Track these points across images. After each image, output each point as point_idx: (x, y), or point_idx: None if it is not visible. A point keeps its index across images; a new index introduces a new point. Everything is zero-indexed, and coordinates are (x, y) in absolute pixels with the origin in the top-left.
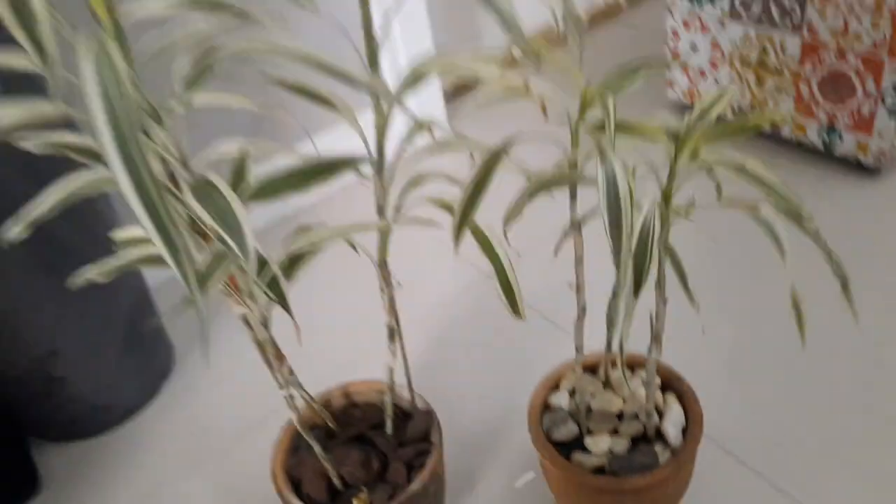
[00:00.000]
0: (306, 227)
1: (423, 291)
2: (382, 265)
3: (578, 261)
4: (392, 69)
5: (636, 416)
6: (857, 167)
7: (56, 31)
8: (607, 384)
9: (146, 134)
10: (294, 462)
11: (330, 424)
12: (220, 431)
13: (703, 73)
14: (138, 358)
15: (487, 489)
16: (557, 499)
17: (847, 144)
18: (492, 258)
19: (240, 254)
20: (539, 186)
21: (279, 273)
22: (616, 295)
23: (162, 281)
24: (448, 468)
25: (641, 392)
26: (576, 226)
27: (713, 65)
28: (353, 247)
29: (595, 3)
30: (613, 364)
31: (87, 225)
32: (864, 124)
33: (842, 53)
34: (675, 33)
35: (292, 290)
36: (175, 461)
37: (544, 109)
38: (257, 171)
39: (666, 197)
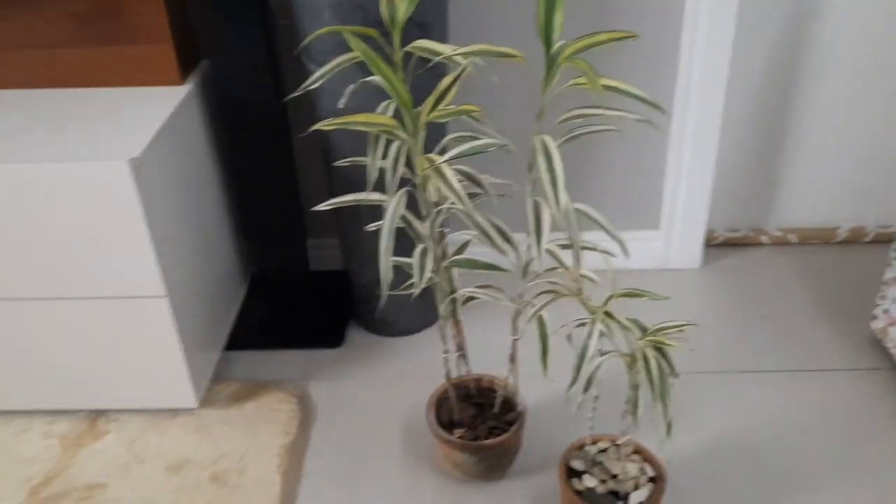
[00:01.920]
0: None
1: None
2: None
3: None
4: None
5: (619, 482)
6: None
7: None
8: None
9: None
10: (443, 400)
11: (471, 388)
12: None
13: (894, 322)
14: (425, 301)
15: (541, 443)
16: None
17: None
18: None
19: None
20: None
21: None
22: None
23: None
24: (523, 447)
25: (631, 469)
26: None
27: None
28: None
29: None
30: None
31: None
32: None
33: None
34: (888, 282)
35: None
36: (413, 368)
37: None
38: None
39: None
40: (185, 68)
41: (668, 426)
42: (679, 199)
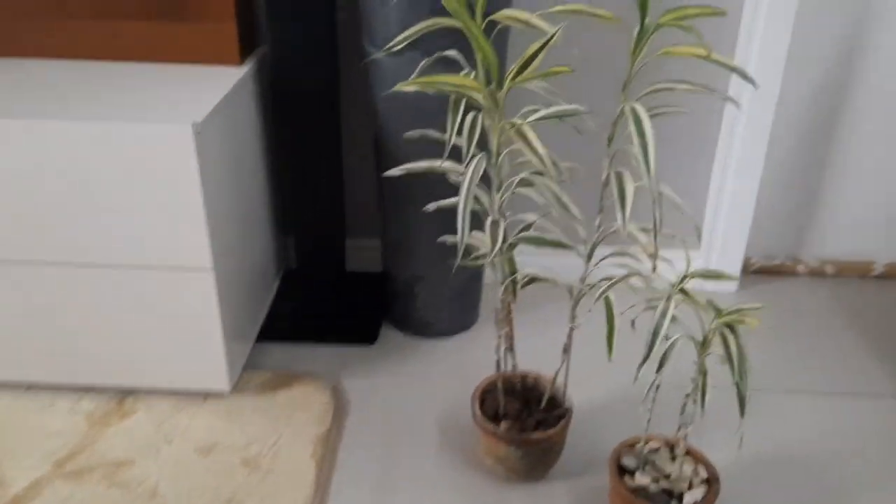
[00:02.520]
0: None
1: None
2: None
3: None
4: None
5: (673, 481)
6: None
7: None
8: (674, 456)
9: None
10: (487, 393)
11: (517, 385)
12: (478, 368)
13: None
14: (462, 304)
15: (583, 446)
16: (612, 498)
17: None
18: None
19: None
20: None
21: None
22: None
23: None
24: (570, 440)
25: (686, 469)
26: None
27: None
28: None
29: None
30: (675, 445)
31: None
32: None
33: None
34: None
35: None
36: (448, 369)
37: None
38: None
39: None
40: (245, 50)
41: (743, 403)
42: (720, 222)
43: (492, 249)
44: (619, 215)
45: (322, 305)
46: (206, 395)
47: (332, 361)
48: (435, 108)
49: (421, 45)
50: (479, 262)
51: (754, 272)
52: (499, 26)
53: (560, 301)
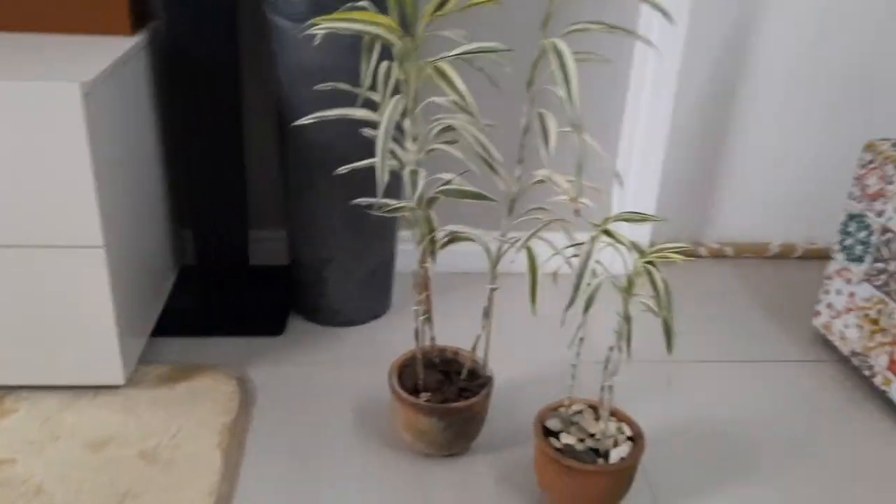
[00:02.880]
0: None
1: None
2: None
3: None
4: None
5: (598, 440)
6: None
7: None
8: (598, 416)
9: None
10: (405, 368)
11: (435, 360)
12: (392, 355)
13: (838, 314)
14: (372, 290)
15: (504, 424)
16: (536, 467)
17: None
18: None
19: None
20: None
21: None
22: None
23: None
24: (490, 414)
25: (611, 427)
26: None
27: (847, 309)
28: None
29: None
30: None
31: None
32: None
33: None
34: (830, 277)
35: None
36: (360, 355)
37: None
38: None
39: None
40: (137, 21)
41: (670, 337)
42: (626, 208)
43: (413, 194)
44: (542, 150)
45: (223, 299)
46: (97, 391)
47: (237, 354)
48: (343, 76)
49: (327, 10)
50: (398, 213)
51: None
52: None
53: (479, 286)
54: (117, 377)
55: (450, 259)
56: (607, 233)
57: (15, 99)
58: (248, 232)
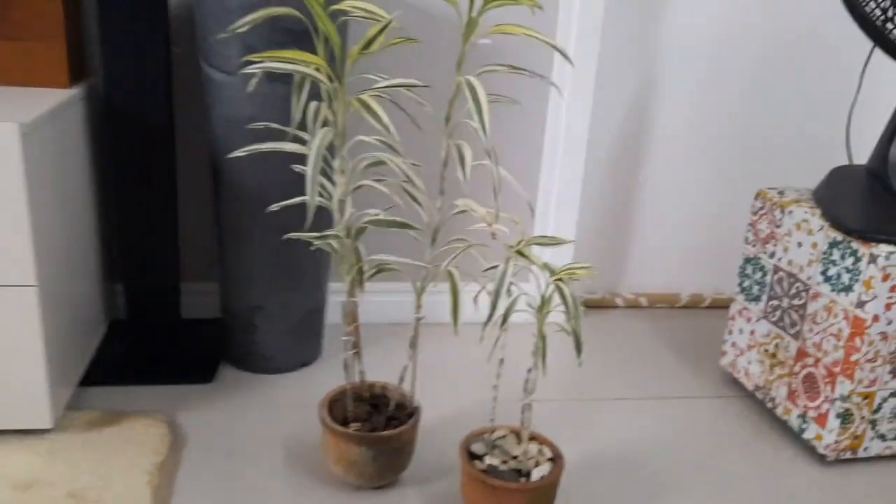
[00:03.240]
0: None
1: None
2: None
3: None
4: None
5: (520, 462)
6: (815, 453)
7: None
8: (520, 439)
9: None
10: (335, 402)
11: (364, 394)
12: (323, 395)
13: (742, 352)
14: (302, 337)
15: (433, 458)
16: (462, 491)
17: (811, 432)
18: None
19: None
20: None
21: None
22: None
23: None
24: (419, 449)
25: (532, 449)
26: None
27: (749, 347)
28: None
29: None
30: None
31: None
32: (821, 420)
33: (816, 362)
34: (733, 317)
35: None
36: (291, 400)
37: None
38: None
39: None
40: (74, 75)
41: (578, 343)
42: (545, 257)
43: (339, 219)
44: (460, 174)
45: (153, 350)
46: (23, 435)
47: (167, 401)
48: (274, 132)
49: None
50: (326, 239)
51: None
52: (339, 20)
53: (407, 336)
54: (45, 421)
55: (378, 309)
56: (521, 254)
57: None
58: (179, 286)
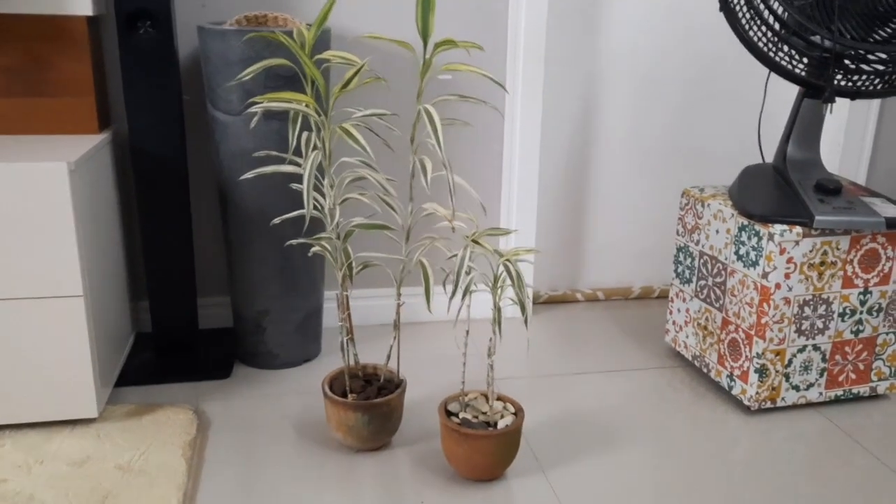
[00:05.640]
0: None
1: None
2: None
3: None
4: None
5: (488, 416)
6: (742, 406)
7: None
8: (488, 398)
9: None
10: (334, 380)
11: (358, 373)
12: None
13: (681, 328)
14: (304, 336)
15: (417, 426)
16: (442, 444)
17: (737, 389)
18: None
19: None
20: None
21: None
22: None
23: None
24: (406, 419)
25: (498, 405)
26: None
27: (686, 322)
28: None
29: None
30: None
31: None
32: (744, 377)
33: (737, 328)
34: (672, 299)
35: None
36: (297, 388)
37: None
38: None
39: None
40: (102, 122)
41: (524, 310)
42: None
43: (330, 224)
44: (423, 180)
45: (176, 355)
46: (73, 425)
47: (191, 394)
48: (273, 158)
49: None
50: (321, 241)
51: (543, 303)
52: (322, 66)
53: (390, 334)
54: (92, 410)
55: (366, 313)
56: (476, 242)
57: (11, 178)
58: (196, 300)
